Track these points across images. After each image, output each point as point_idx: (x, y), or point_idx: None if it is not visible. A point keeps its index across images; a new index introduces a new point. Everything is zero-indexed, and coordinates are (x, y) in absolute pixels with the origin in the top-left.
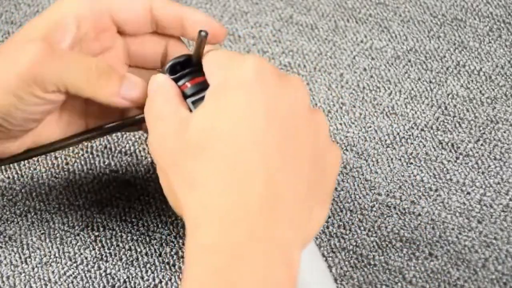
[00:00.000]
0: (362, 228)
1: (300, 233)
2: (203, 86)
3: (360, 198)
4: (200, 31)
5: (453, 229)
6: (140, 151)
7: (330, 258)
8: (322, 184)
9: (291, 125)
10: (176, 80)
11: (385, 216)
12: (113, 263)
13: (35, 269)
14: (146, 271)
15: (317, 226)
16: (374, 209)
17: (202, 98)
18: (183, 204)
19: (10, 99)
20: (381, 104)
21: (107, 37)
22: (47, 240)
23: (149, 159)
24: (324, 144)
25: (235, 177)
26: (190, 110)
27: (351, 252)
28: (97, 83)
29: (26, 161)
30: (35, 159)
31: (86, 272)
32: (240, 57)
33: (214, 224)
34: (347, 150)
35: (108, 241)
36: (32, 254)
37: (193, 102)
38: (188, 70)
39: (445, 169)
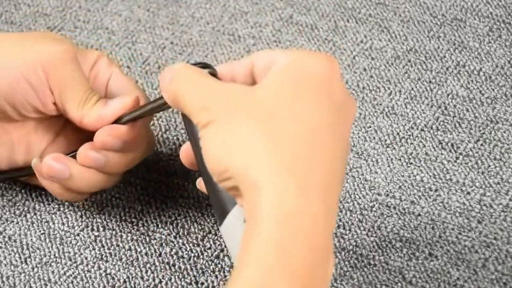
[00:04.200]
0: (362, 228)
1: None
2: None
3: (360, 198)
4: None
5: (453, 229)
6: None
7: None
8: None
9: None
10: None
11: (385, 216)
12: (113, 263)
13: (35, 269)
14: (146, 271)
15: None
16: (374, 209)
17: None
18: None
19: (21, 82)
20: (381, 104)
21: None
22: (47, 240)
23: (149, 159)
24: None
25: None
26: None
27: (351, 252)
28: (84, 107)
29: None
30: None
31: (86, 272)
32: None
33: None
34: None
35: (108, 241)
36: (32, 254)
37: None
38: None
39: (445, 169)
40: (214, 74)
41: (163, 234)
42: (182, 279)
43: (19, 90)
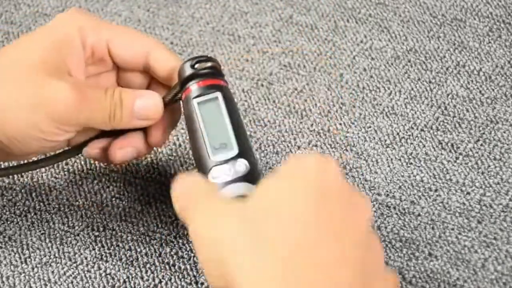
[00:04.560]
0: None
1: None
2: (206, 90)
3: None
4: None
5: (452, 229)
6: None
7: None
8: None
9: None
10: (190, 78)
11: (385, 216)
12: (113, 263)
13: (35, 269)
14: (146, 271)
15: None
16: (374, 209)
17: (206, 101)
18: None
19: (32, 132)
20: (381, 104)
21: (102, 64)
22: (47, 240)
23: (149, 159)
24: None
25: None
26: (195, 110)
27: None
28: (116, 117)
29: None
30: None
31: (86, 272)
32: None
33: None
34: (347, 150)
35: (108, 241)
36: (32, 254)
37: (198, 103)
38: (202, 72)
39: (445, 169)
40: (216, 67)
41: (163, 234)
42: (182, 279)
43: (34, 140)
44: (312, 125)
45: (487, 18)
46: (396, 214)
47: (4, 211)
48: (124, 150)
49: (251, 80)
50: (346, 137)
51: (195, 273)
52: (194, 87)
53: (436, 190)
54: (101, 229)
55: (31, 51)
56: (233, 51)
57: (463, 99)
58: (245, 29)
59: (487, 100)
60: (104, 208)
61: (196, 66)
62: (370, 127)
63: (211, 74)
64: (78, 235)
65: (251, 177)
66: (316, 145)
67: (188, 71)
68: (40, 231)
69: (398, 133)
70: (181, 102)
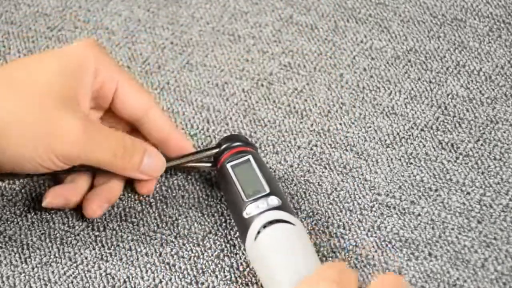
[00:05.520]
0: (362, 228)
1: None
2: (238, 155)
3: (359, 198)
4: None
5: (452, 229)
6: None
7: (330, 258)
8: None
9: None
10: (223, 151)
11: (385, 216)
12: (113, 263)
13: (35, 269)
14: (146, 271)
15: None
16: (373, 209)
17: (239, 163)
18: None
19: (30, 156)
20: (381, 104)
21: (101, 104)
22: (47, 240)
23: None
24: None
25: None
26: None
27: (351, 252)
28: (121, 161)
29: None
30: None
31: (86, 272)
32: None
33: None
34: (347, 150)
35: (108, 241)
36: (32, 254)
37: (232, 166)
38: (230, 144)
39: (445, 169)
40: (245, 141)
41: (163, 234)
42: (182, 279)
43: (28, 163)
44: (312, 125)
45: (487, 18)
46: (396, 214)
47: (4, 211)
48: (103, 207)
49: (251, 80)
50: (346, 137)
51: (195, 273)
52: (227, 155)
53: (436, 190)
54: (101, 229)
55: (44, 73)
56: (233, 51)
57: (463, 99)
58: (245, 29)
59: (487, 100)
60: None
61: (227, 142)
62: (370, 127)
63: (241, 145)
64: (78, 235)
65: (284, 208)
66: (316, 145)
67: (222, 145)
68: (40, 231)
69: (398, 133)
70: (216, 172)
